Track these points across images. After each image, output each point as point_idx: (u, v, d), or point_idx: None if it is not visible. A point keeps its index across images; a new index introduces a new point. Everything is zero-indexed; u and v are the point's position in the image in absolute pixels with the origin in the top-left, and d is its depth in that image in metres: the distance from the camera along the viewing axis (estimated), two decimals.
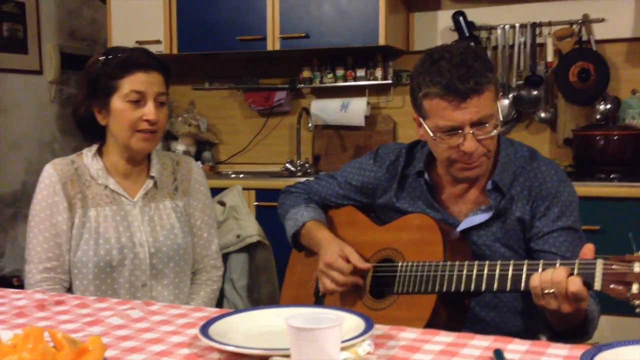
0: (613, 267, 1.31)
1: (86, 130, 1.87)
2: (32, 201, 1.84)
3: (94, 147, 1.87)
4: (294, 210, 1.87)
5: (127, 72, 1.77)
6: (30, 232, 1.82)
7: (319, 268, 1.73)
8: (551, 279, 1.35)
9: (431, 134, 1.60)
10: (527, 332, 1.67)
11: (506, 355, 1.12)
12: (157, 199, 1.88)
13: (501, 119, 1.61)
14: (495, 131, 1.58)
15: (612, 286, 1.31)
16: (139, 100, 1.77)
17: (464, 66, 1.53)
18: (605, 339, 1.27)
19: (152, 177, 1.88)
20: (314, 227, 1.82)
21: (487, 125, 1.57)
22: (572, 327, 1.46)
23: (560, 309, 1.36)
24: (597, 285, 1.32)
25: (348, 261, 1.68)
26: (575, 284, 1.33)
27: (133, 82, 1.77)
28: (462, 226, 1.67)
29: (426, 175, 1.72)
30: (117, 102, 1.78)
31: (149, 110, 1.77)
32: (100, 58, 1.81)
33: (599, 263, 1.33)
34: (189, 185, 1.94)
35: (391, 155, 1.82)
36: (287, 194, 1.97)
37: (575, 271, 1.35)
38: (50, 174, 1.82)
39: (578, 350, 1.14)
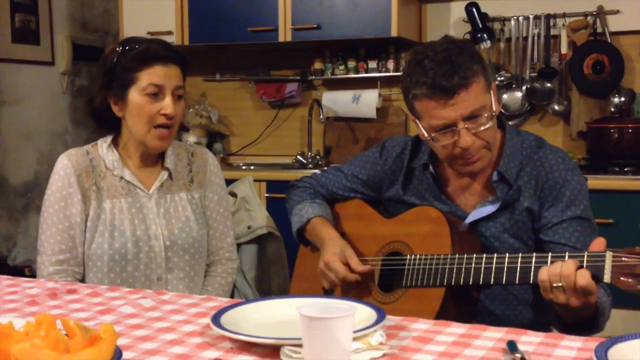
0: (623, 259, 1.30)
1: (101, 121, 1.84)
2: (46, 192, 1.82)
3: (109, 138, 1.85)
4: (300, 206, 1.87)
5: (145, 65, 1.74)
6: (43, 224, 1.81)
7: (319, 266, 1.73)
8: (560, 272, 1.34)
9: (426, 135, 1.60)
10: (538, 325, 1.66)
11: (520, 347, 1.11)
12: (172, 191, 1.87)
13: (497, 108, 1.59)
14: (490, 123, 1.56)
15: (622, 279, 1.29)
16: (156, 94, 1.75)
17: (447, 62, 1.52)
18: (617, 332, 1.27)
19: (167, 169, 1.87)
20: (318, 224, 1.81)
21: (480, 117, 1.55)
22: (582, 319, 1.45)
23: (569, 303, 1.35)
24: (607, 278, 1.31)
25: (348, 265, 1.69)
26: (584, 278, 1.32)
27: (151, 75, 1.74)
28: (470, 218, 1.66)
29: (431, 168, 1.71)
30: (135, 95, 1.75)
31: (167, 104, 1.75)
32: (117, 49, 1.78)
33: (609, 255, 1.31)
34: (205, 177, 1.92)
35: (397, 148, 1.81)
36: (293, 189, 1.96)
37: (585, 264, 1.33)
38: (66, 165, 1.81)
39: (592, 342, 1.13)
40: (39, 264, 1.81)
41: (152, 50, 1.75)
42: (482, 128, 1.55)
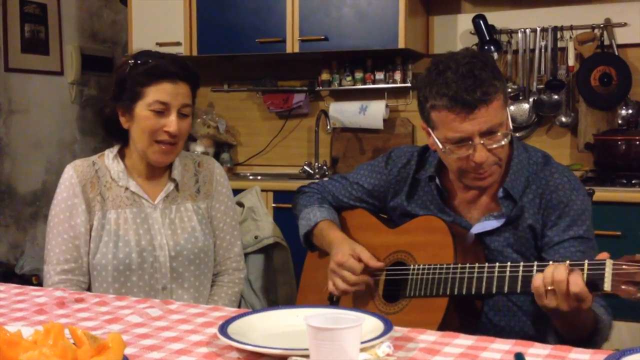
0: (623, 267, 1.30)
1: (110, 130, 1.85)
2: (52, 202, 1.84)
3: (115, 149, 1.87)
4: (307, 210, 1.87)
5: (154, 81, 1.75)
6: (49, 233, 1.82)
7: (330, 267, 1.73)
8: (552, 277, 1.34)
9: (440, 146, 1.60)
10: (543, 337, 1.65)
11: (527, 359, 1.10)
12: (178, 202, 1.87)
13: (511, 126, 1.59)
14: (505, 139, 1.56)
15: (622, 287, 1.29)
16: (162, 111, 1.76)
17: (470, 76, 1.51)
18: (625, 344, 1.26)
19: (174, 180, 1.88)
20: (326, 227, 1.81)
21: (497, 134, 1.55)
22: (581, 336, 1.45)
23: (559, 307, 1.35)
24: (607, 286, 1.31)
25: (360, 260, 1.68)
26: (577, 285, 1.32)
27: (159, 92, 1.75)
28: (475, 230, 1.66)
29: (437, 180, 1.71)
30: (141, 109, 1.76)
31: (170, 121, 1.76)
32: (130, 61, 1.78)
33: (609, 263, 1.32)
34: (212, 187, 1.93)
35: (403, 159, 1.82)
36: (301, 194, 1.97)
37: (585, 272, 1.33)
38: (71, 175, 1.82)
39: (600, 355, 1.13)
40: (45, 273, 1.83)
41: (161, 67, 1.76)
42: (498, 145, 1.55)
